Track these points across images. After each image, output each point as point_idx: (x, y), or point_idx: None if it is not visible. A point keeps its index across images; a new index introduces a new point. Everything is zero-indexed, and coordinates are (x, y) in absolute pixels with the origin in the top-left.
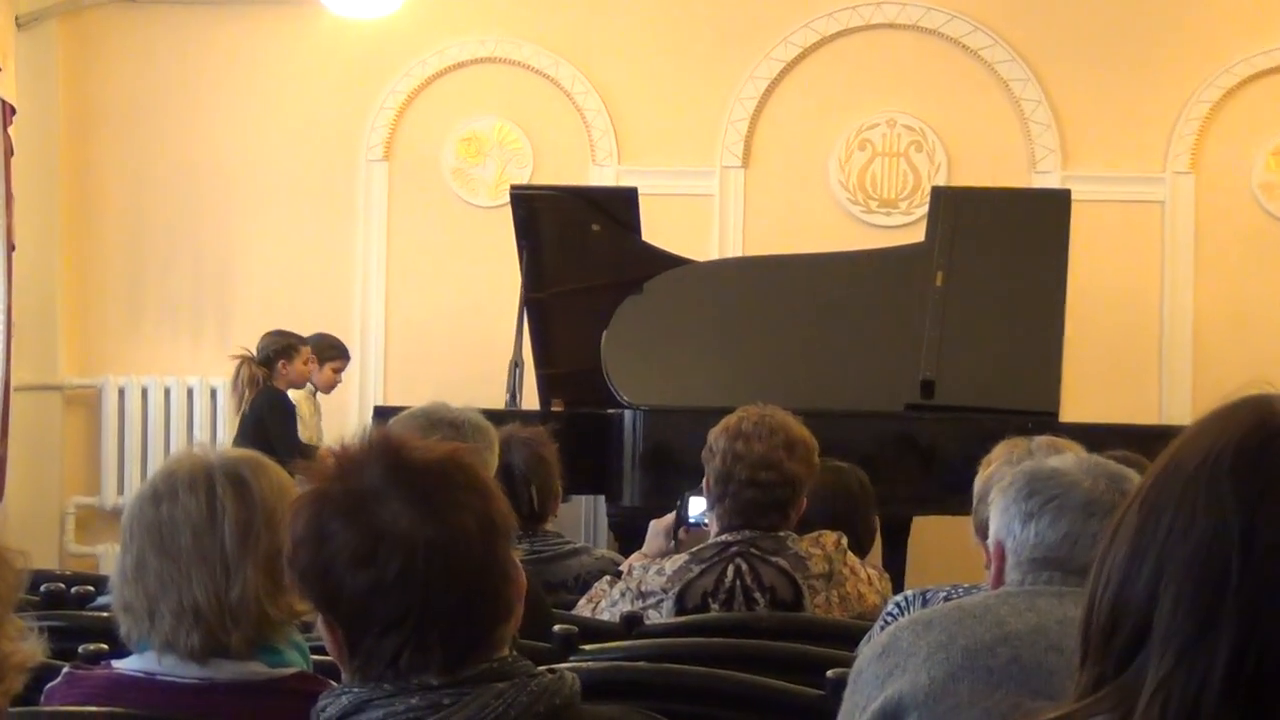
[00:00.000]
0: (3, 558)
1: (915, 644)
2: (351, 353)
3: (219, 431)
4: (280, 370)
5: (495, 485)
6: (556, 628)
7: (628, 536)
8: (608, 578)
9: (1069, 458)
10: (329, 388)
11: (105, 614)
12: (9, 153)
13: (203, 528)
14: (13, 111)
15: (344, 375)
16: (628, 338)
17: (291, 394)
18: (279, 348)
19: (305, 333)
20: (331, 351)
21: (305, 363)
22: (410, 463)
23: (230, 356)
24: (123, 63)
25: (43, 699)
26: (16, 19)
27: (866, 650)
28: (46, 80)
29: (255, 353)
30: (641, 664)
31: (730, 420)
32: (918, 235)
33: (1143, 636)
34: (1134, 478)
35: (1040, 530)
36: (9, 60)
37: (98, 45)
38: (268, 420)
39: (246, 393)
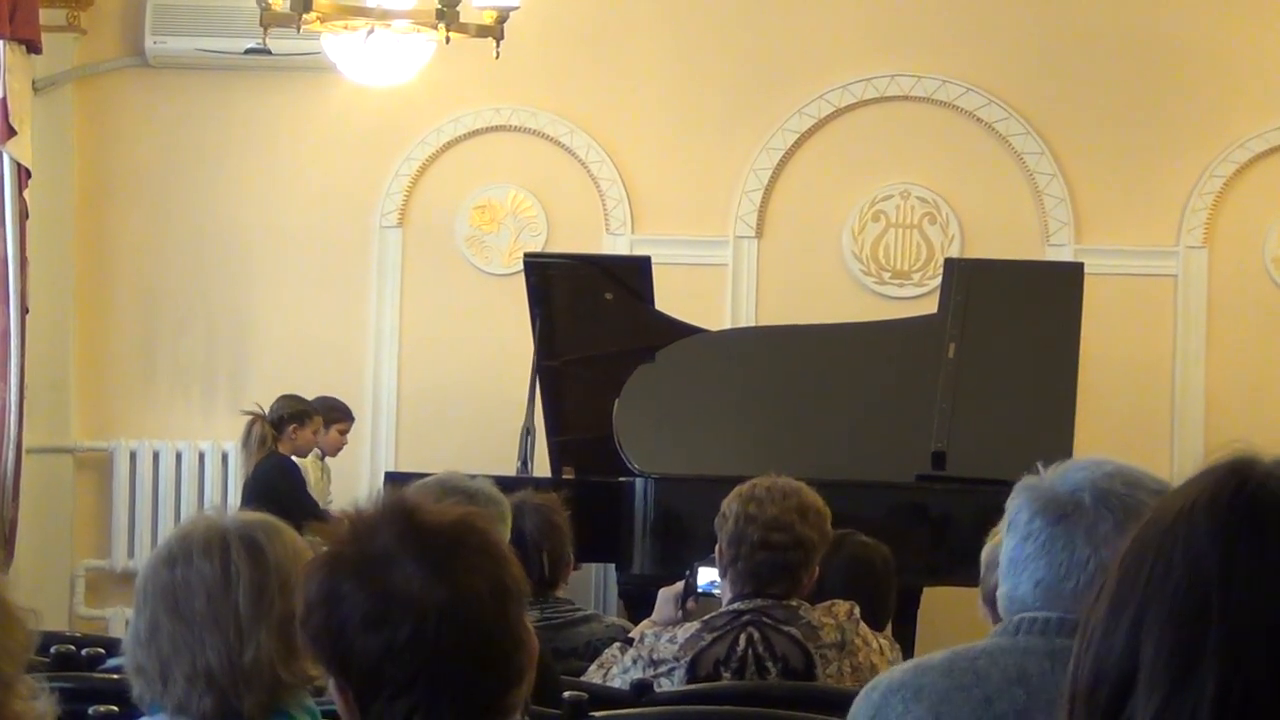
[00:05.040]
0: (13, 616)
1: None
2: (363, 418)
3: (230, 496)
4: (290, 434)
5: (509, 550)
6: (567, 694)
7: (638, 605)
8: (618, 645)
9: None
10: (335, 450)
11: (116, 676)
12: (24, 216)
13: (217, 591)
14: (28, 175)
15: (350, 439)
16: (640, 406)
17: (296, 459)
18: (292, 412)
19: (314, 397)
20: (335, 413)
21: (315, 432)
22: (423, 526)
23: (242, 412)
24: (138, 128)
25: None
26: (33, 83)
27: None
28: (62, 144)
29: (268, 413)
30: None
31: (743, 487)
32: (930, 307)
33: (1128, 687)
34: None
35: None
36: (25, 124)
37: (114, 110)
38: (280, 487)
39: (256, 450)
